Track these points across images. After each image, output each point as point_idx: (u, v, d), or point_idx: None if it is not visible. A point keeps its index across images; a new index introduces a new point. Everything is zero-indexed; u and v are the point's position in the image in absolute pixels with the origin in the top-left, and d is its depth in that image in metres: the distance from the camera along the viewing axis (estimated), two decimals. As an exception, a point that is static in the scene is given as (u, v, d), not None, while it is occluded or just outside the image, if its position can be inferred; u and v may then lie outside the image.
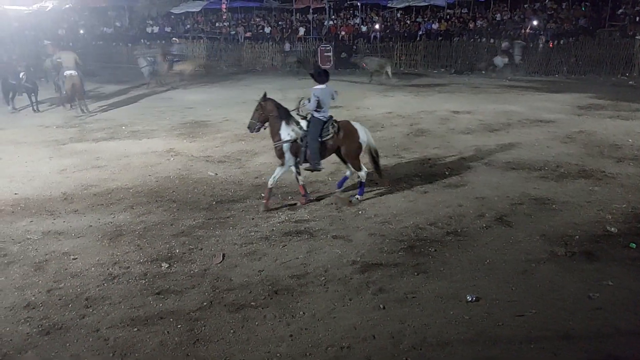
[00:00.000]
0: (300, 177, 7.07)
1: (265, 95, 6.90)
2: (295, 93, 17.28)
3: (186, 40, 26.93)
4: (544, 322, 4.26)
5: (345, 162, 7.19)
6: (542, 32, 23.02)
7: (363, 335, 4.12)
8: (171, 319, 4.39)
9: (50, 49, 16.66)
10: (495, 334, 4.12)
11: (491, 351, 3.92)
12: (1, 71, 14.92)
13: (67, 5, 27.90)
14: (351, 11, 30.39)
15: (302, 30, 28.21)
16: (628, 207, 6.68)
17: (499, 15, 26.30)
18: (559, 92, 16.33)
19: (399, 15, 29.14)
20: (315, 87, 6.82)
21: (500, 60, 20.89)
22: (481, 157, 9.12)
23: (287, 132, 6.79)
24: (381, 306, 4.52)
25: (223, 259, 5.51)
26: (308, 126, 6.82)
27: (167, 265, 5.37)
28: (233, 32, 28.66)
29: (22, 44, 19.56)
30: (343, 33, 27.63)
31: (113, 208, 7.05)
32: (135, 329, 4.26)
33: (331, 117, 6.93)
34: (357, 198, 7.06)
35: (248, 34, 28.45)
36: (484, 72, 21.62)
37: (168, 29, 29.28)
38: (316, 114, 6.80)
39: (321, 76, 6.90)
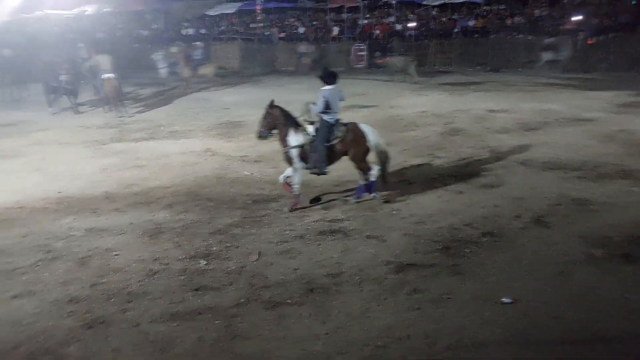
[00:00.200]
0: (285, 177, 7.02)
1: (272, 102, 6.95)
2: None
3: (221, 42, 27.39)
4: (581, 324, 4.18)
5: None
6: (582, 29, 22.31)
7: (398, 334, 4.12)
8: (209, 315, 4.49)
9: (85, 52, 17.25)
10: (532, 335, 4.06)
11: (527, 353, 3.87)
12: (43, 74, 15.56)
13: (106, 9, 28.79)
14: (386, 9, 30.21)
15: (335, 30, 28.22)
16: (672, 209, 6.44)
17: (537, 11, 25.65)
18: (597, 90, 15.80)
19: (434, 12, 28.80)
20: (324, 87, 6.77)
21: (548, 56, 20.40)
22: (518, 156, 8.95)
23: (295, 138, 6.82)
24: (416, 306, 4.51)
25: (259, 256, 5.60)
26: (316, 130, 6.79)
27: (205, 262, 5.50)
28: (267, 33, 28.93)
29: (63, 47, 20.27)
30: (377, 32, 27.50)
31: (153, 206, 7.25)
32: (175, 324, 4.38)
33: (339, 120, 6.88)
34: (375, 195, 6.98)
35: (282, 35, 28.65)
36: (538, 64, 20.94)
37: (203, 31, 29.80)
38: (324, 117, 6.75)
39: (329, 77, 6.82)
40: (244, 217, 6.75)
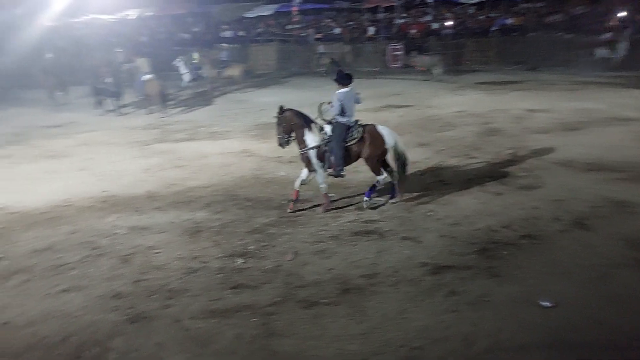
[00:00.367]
0: (300, 184, 7.00)
1: (281, 107, 6.98)
2: (363, 93, 17.35)
3: (258, 44, 27.73)
4: (623, 328, 4.07)
5: (385, 167, 7.05)
6: (627, 25, 21.48)
7: (435, 336, 4.12)
8: (247, 313, 4.60)
9: (122, 56, 17.80)
10: (572, 339, 3.99)
11: (568, 357, 3.81)
12: (90, 76, 16.22)
13: (149, 14, 29.60)
14: (422, 8, 29.90)
15: (371, 30, 28.14)
16: None
17: (577, 8, 24.82)
18: (640, 89, 15.19)
19: (471, 11, 28.33)
20: (339, 90, 6.72)
21: (603, 53, 19.77)
22: (558, 157, 8.72)
23: (311, 138, 6.82)
24: (453, 308, 4.49)
25: (294, 256, 5.69)
26: (332, 131, 6.75)
27: (242, 261, 5.62)
28: (304, 34, 29.11)
29: (108, 51, 21.03)
30: (414, 31, 27.26)
31: (192, 205, 7.45)
32: (214, 321, 4.51)
33: (357, 121, 6.82)
34: (366, 200, 6.92)
35: (318, 35, 28.78)
36: (592, 59, 20.31)
37: (241, 33, 30.24)
38: (340, 119, 6.71)
39: (344, 79, 6.76)
40: (280, 217, 6.85)
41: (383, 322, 4.37)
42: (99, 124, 14.11)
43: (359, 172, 7.78)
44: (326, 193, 6.99)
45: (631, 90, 14.98)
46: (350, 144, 6.72)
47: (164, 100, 14.88)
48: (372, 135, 6.74)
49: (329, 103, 6.86)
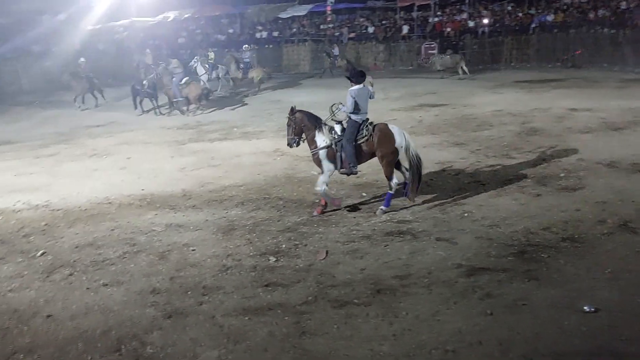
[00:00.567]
0: (325, 189, 6.92)
1: (292, 109, 6.99)
2: (397, 92, 17.20)
3: (292, 44, 27.91)
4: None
5: (398, 168, 6.94)
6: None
7: (469, 340, 4.02)
8: (279, 311, 4.62)
9: (151, 58, 18.18)
10: (618, 348, 3.80)
11: (611, 367, 3.64)
12: (131, 78, 16.71)
13: (186, 15, 30.18)
14: (458, 6, 29.39)
15: (405, 29, 27.87)
16: None
17: (624, 3, 23.87)
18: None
19: (509, 8, 27.66)
20: (352, 87, 6.70)
21: None
22: (602, 158, 8.39)
23: (321, 139, 6.82)
24: (488, 312, 4.37)
25: (326, 255, 5.67)
26: (343, 130, 6.74)
27: (274, 259, 5.65)
28: (337, 34, 29.10)
29: (140, 53, 21.63)
30: (449, 29, 26.84)
31: (226, 204, 7.55)
32: (247, 318, 4.54)
33: (367, 119, 6.79)
34: (382, 209, 6.78)
35: (352, 35, 28.71)
36: None
37: (275, 34, 30.49)
38: (353, 116, 6.69)
39: (357, 76, 6.75)
40: (312, 216, 6.86)
41: (415, 323, 4.30)
42: (137, 123, 14.51)
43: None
44: (322, 192, 6.91)
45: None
46: (360, 141, 6.71)
47: (199, 100, 15.19)
48: (382, 133, 6.69)
49: (340, 103, 6.89)
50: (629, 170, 7.71)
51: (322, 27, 30.64)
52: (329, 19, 30.48)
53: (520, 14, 26.65)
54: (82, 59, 18.16)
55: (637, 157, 8.24)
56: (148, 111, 15.83)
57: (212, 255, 5.87)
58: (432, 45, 24.40)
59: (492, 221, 6.27)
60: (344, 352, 4.00)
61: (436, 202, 6.99)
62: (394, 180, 6.79)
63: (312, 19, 31.96)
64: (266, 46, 28.96)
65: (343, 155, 6.75)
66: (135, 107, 15.88)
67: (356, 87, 6.70)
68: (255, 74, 19.25)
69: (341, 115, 6.92)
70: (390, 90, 17.40)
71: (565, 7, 25.82)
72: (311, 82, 21.21)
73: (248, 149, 10.84)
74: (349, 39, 28.33)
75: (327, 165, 6.89)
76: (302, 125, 6.96)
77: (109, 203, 7.88)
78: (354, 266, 5.39)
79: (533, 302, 4.48)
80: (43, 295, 5.14)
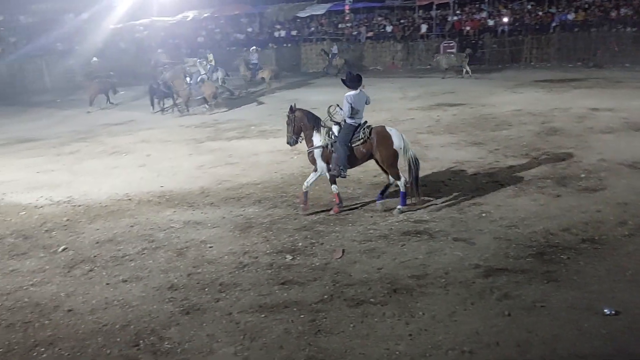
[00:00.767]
0: (334, 186, 6.94)
1: (292, 107, 7.02)
2: (415, 91, 17.11)
3: (310, 43, 27.97)
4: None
5: (385, 171, 6.92)
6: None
7: (486, 341, 3.99)
8: (295, 309, 4.63)
9: (164, 58, 18.30)
10: (637, 351, 3.74)
11: (633, 371, 3.58)
12: (149, 77, 16.91)
13: (206, 15, 30.40)
14: (477, 5, 29.10)
15: (424, 28, 27.69)
16: None
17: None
18: None
19: (529, 6, 27.29)
20: (348, 93, 6.68)
21: None
22: (623, 158, 8.24)
23: (319, 139, 6.84)
24: (506, 313, 4.33)
25: (343, 254, 5.68)
26: (339, 131, 6.73)
27: (291, 257, 5.67)
28: (355, 33, 29.05)
29: (166, 52, 21.83)
30: (468, 28, 26.58)
31: (243, 202, 7.60)
32: (263, 315, 4.57)
33: (365, 122, 6.77)
34: (399, 209, 6.74)
35: (370, 34, 28.63)
36: None
37: (294, 33, 30.57)
38: (349, 120, 6.69)
39: (353, 82, 6.71)
40: (328, 215, 6.86)
41: (432, 324, 4.28)
42: (156, 122, 14.68)
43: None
44: (306, 192, 6.95)
45: None
46: (356, 144, 6.70)
47: (216, 98, 15.33)
48: (380, 135, 6.66)
49: (337, 105, 6.90)
50: (652, 172, 7.56)
51: (340, 26, 30.62)
52: (347, 18, 30.42)
53: (540, 13, 26.28)
54: (95, 59, 18.38)
55: (660, 158, 8.08)
56: (166, 109, 16.00)
57: (229, 252, 5.91)
58: (451, 44, 24.17)
59: (510, 222, 6.20)
60: (359, 351, 4.00)
61: (454, 202, 6.94)
62: (403, 179, 6.78)
63: (330, 18, 31.95)
64: (285, 45, 29.06)
65: (335, 157, 6.75)
66: (152, 106, 16.05)
67: (353, 92, 6.70)
68: (265, 74, 19.49)
69: (339, 117, 6.95)
70: (408, 90, 17.32)
71: (586, 5, 25.39)
72: (328, 81, 21.17)
73: (265, 147, 10.89)
74: (367, 37, 28.25)
75: (321, 165, 6.93)
76: (301, 124, 7.00)
77: (129, 200, 7.99)
78: (371, 265, 5.38)
79: (552, 303, 4.43)
80: (64, 290, 5.25)
